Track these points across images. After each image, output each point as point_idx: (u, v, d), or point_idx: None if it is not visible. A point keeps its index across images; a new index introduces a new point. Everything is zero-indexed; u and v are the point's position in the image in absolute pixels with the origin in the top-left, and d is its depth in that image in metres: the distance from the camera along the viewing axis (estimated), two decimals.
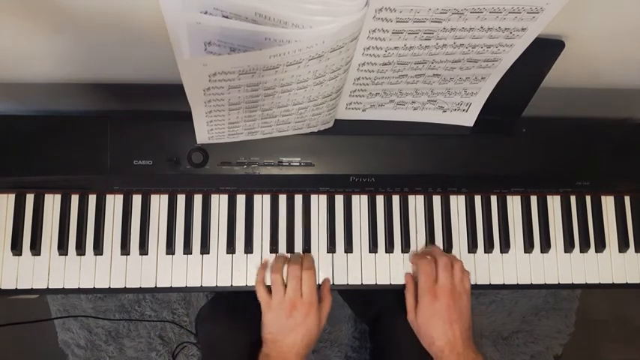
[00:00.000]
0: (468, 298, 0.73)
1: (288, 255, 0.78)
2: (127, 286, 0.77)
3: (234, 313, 0.86)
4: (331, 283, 0.78)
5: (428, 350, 0.72)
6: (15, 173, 0.74)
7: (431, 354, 0.71)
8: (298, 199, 0.80)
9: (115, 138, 0.73)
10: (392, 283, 0.79)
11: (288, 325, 0.71)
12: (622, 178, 0.81)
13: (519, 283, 0.81)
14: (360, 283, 0.79)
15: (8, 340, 1.32)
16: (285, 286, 0.72)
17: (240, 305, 0.86)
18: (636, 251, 0.83)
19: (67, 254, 0.76)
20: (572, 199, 0.83)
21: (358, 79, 0.65)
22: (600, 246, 0.82)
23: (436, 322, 0.70)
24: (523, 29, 0.56)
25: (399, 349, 0.83)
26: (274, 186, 0.78)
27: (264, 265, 0.77)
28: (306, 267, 0.73)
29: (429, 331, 0.70)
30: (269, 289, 0.74)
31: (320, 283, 0.78)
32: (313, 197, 0.80)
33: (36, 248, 0.76)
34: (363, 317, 1.18)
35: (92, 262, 0.77)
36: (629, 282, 0.82)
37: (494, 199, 0.82)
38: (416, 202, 0.81)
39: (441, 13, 0.53)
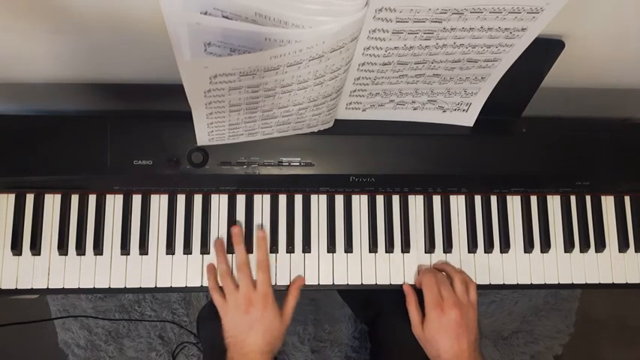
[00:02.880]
0: (475, 310, 0.73)
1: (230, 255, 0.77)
2: (127, 286, 0.77)
3: None
4: (332, 283, 0.78)
5: None
6: (15, 173, 0.74)
7: None
8: (298, 199, 0.80)
9: (115, 138, 0.73)
10: (392, 283, 0.79)
11: (247, 322, 0.70)
12: (622, 178, 0.81)
13: (519, 283, 0.81)
14: (360, 283, 0.79)
15: (8, 340, 1.32)
16: (238, 286, 0.72)
17: None
18: (636, 251, 0.83)
19: (67, 254, 0.76)
20: (572, 199, 0.83)
21: (358, 79, 0.65)
22: (600, 246, 0.82)
23: (443, 336, 0.70)
24: (523, 29, 0.56)
25: (399, 349, 0.83)
26: (274, 186, 0.78)
27: (211, 270, 0.76)
28: (259, 261, 0.73)
29: (436, 344, 0.70)
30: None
31: (320, 283, 0.78)
32: (313, 197, 0.80)
33: (36, 248, 0.76)
34: (362, 317, 1.18)
35: (92, 262, 0.77)
36: (629, 282, 0.82)
37: (494, 199, 0.82)
38: (416, 202, 0.81)
39: (441, 13, 0.53)
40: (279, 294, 0.75)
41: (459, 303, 0.71)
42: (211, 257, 0.78)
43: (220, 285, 0.75)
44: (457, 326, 0.69)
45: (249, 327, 0.70)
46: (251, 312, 0.70)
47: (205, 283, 0.76)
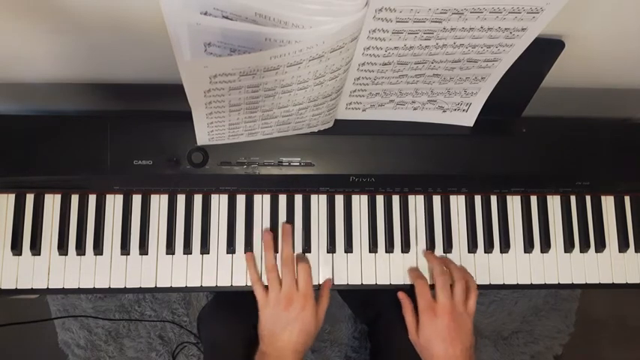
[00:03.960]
0: (470, 317, 0.73)
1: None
2: (127, 286, 0.77)
3: (235, 311, 0.86)
4: (332, 283, 0.78)
5: None
6: (15, 173, 0.74)
7: None
8: (298, 199, 0.80)
9: (115, 138, 0.73)
10: (392, 283, 0.79)
11: (284, 319, 0.71)
12: (622, 178, 0.81)
13: (519, 283, 0.81)
14: (360, 283, 0.79)
15: (8, 340, 1.32)
16: (281, 281, 0.73)
17: (242, 304, 0.86)
18: (636, 251, 0.83)
19: (67, 254, 0.76)
20: (572, 199, 0.83)
21: (358, 79, 0.65)
22: (600, 246, 0.82)
23: (436, 340, 0.70)
24: (523, 29, 0.56)
25: (398, 349, 0.83)
26: (274, 186, 0.78)
27: (253, 264, 0.76)
28: (300, 260, 0.74)
29: (430, 349, 0.71)
30: (266, 287, 0.74)
31: (320, 283, 0.78)
32: (313, 197, 0.80)
33: (36, 248, 0.76)
34: (362, 318, 1.18)
35: (92, 262, 0.77)
36: (629, 282, 0.82)
37: (494, 199, 0.82)
38: (416, 202, 0.81)
39: (441, 13, 0.53)
40: None
41: (453, 309, 0.71)
42: (211, 257, 0.78)
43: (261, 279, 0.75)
44: (449, 331, 0.70)
45: (286, 324, 0.71)
46: (290, 310, 0.71)
47: (205, 284, 0.76)
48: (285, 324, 0.71)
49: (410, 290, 0.77)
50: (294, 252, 0.76)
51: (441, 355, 0.70)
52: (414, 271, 0.78)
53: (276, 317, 0.72)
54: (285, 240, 0.76)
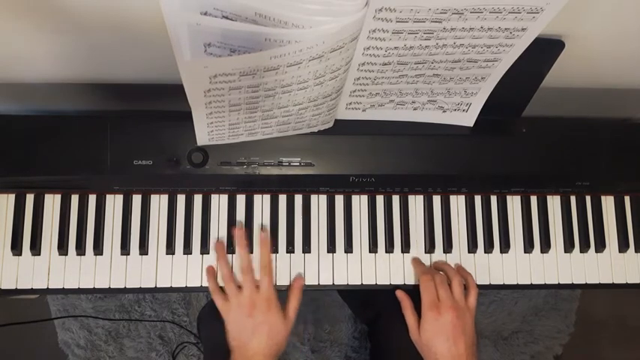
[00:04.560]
0: (472, 315, 0.73)
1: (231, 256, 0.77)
2: (127, 286, 0.77)
3: None
4: (332, 283, 0.78)
5: None
6: (15, 173, 0.74)
7: None
8: (298, 199, 0.80)
9: (115, 138, 0.73)
10: (392, 283, 0.79)
11: (250, 325, 0.69)
12: (622, 178, 0.81)
13: (519, 283, 0.81)
14: (360, 283, 0.79)
15: (8, 340, 1.32)
16: (240, 287, 0.72)
17: None
18: (636, 251, 0.83)
19: (67, 254, 0.76)
20: (572, 199, 0.83)
21: (358, 79, 0.65)
22: (600, 246, 0.82)
23: (439, 339, 0.69)
24: (523, 29, 0.56)
25: (398, 349, 0.83)
26: (274, 186, 0.78)
27: (211, 273, 0.76)
28: (262, 264, 0.73)
29: (433, 347, 0.70)
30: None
31: (320, 283, 0.78)
32: (313, 197, 0.80)
33: (36, 248, 0.76)
34: (362, 317, 1.18)
35: (92, 262, 0.77)
36: (629, 282, 0.82)
37: (494, 199, 0.82)
38: (416, 202, 0.81)
39: (441, 13, 0.53)
40: (281, 294, 0.75)
41: (456, 305, 0.71)
42: (211, 257, 0.78)
43: (222, 286, 0.74)
44: (453, 328, 0.69)
45: (253, 330, 0.69)
46: (254, 315, 0.70)
47: (205, 284, 0.76)
48: (252, 330, 0.69)
49: (409, 290, 0.77)
50: (250, 256, 0.75)
51: (445, 353, 0.68)
52: (420, 266, 0.77)
53: (241, 324, 0.70)
54: (239, 245, 0.75)
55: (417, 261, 0.79)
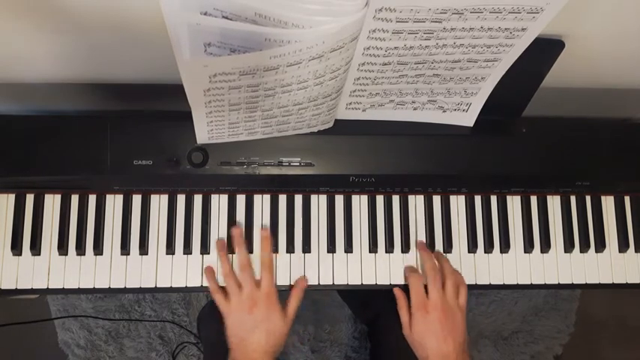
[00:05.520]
0: (462, 312, 0.73)
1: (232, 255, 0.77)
2: (127, 286, 0.76)
3: None
4: (332, 283, 0.78)
5: None
6: (15, 173, 0.74)
7: None
8: (298, 199, 0.80)
9: (115, 138, 0.73)
10: (392, 283, 0.79)
11: (250, 323, 0.70)
12: (622, 178, 0.81)
13: (519, 283, 0.81)
14: (360, 283, 0.79)
15: (8, 340, 1.32)
16: (241, 286, 0.72)
17: None
18: (636, 251, 0.83)
19: (67, 254, 0.76)
20: (572, 199, 0.83)
21: (358, 79, 0.65)
22: (600, 246, 0.82)
23: (430, 336, 0.71)
24: (523, 29, 0.56)
25: (398, 349, 0.83)
26: (274, 186, 0.78)
27: (210, 272, 0.76)
28: (262, 262, 0.73)
29: (424, 345, 0.71)
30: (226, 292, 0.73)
31: (320, 283, 0.78)
32: (313, 197, 0.80)
33: (36, 248, 0.76)
34: (362, 317, 1.18)
35: (92, 262, 0.77)
36: (629, 282, 0.82)
37: (494, 199, 0.82)
38: (416, 202, 0.81)
39: (441, 13, 0.53)
40: (281, 294, 0.75)
41: (445, 304, 0.71)
42: (212, 257, 0.78)
43: (222, 286, 0.74)
44: (442, 326, 0.70)
45: (253, 327, 0.70)
46: (255, 312, 0.70)
47: (206, 283, 0.76)
48: (252, 327, 0.70)
49: (407, 289, 0.77)
50: (248, 255, 0.75)
51: (435, 350, 0.70)
52: (409, 267, 0.78)
53: (241, 322, 0.70)
54: (237, 244, 0.75)
55: (407, 265, 0.79)
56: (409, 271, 0.77)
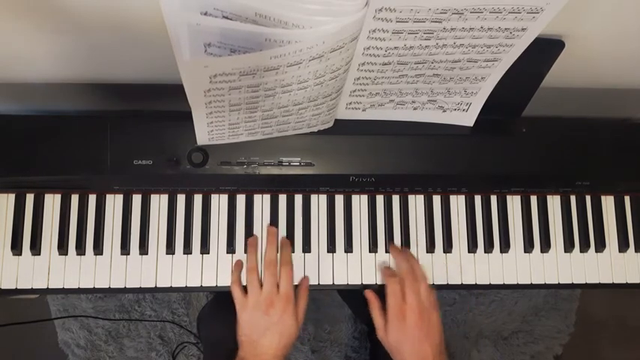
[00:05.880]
0: (437, 312, 0.72)
1: (261, 252, 0.77)
2: (127, 286, 0.76)
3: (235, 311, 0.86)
4: (332, 283, 0.78)
5: None
6: (15, 173, 0.74)
7: None
8: (298, 199, 0.80)
9: (115, 138, 0.73)
10: None
11: (264, 323, 0.69)
12: (622, 178, 0.81)
13: (519, 283, 0.80)
14: (360, 283, 0.79)
15: (8, 340, 1.32)
16: (262, 284, 0.72)
17: None
18: (636, 251, 0.83)
19: (67, 254, 0.76)
20: (572, 199, 0.83)
21: (358, 79, 0.65)
22: (600, 246, 0.82)
23: (406, 340, 0.69)
24: (523, 29, 0.56)
25: None
26: (274, 186, 0.78)
27: (238, 265, 0.76)
28: (283, 262, 0.73)
29: (401, 349, 0.70)
30: (245, 289, 0.73)
31: (320, 283, 0.78)
32: (313, 197, 0.80)
33: (36, 248, 0.76)
34: (362, 317, 1.18)
35: (92, 262, 0.77)
36: (629, 282, 0.82)
37: (494, 199, 0.82)
38: (416, 202, 0.81)
39: (441, 13, 0.53)
40: None
41: (421, 307, 0.70)
42: (211, 257, 0.78)
43: (243, 282, 0.74)
44: (419, 330, 0.69)
45: (266, 328, 0.69)
46: (271, 313, 0.70)
47: (206, 284, 0.76)
48: (264, 329, 0.69)
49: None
50: (277, 255, 0.75)
51: (413, 355, 0.69)
52: (387, 270, 0.77)
53: (255, 321, 0.70)
54: (269, 242, 0.75)
55: (384, 266, 0.78)
56: (387, 274, 0.75)
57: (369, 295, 0.76)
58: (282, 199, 0.80)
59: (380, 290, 0.76)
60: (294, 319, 0.71)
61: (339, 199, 0.80)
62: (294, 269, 0.77)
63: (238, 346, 0.71)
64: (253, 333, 0.70)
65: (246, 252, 0.77)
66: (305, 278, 0.77)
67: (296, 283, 0.77)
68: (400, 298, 0.71)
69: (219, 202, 0.79)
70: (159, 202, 0.78)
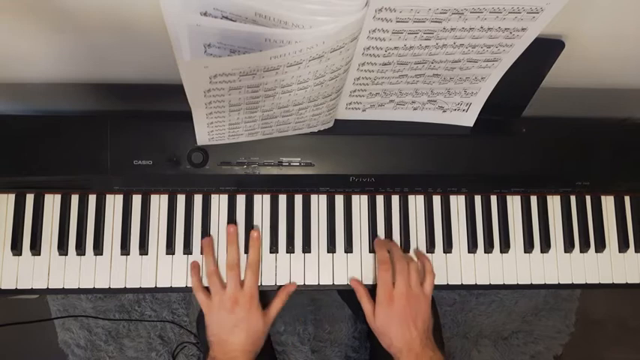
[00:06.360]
0: (427, 299, 0.74)
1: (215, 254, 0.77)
2: (127, 286, 0.77)
3: None
4: (332, 283, 0.78)
5: (388, 351, 0.72)
6: (15, 173, 0.74)
7: (391, 354, 0.72)
8: (298, 199, 0.80)
9: (115, 138, 0.73)
10: None
11: (231, 321, 0.70)
12: (622, 178, 0.81)
13: (519, 283, 0.81)
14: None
15: (8, 340, 1.32)
16: (224, 285, 0.73)
17: None
18: (636, 251, 0.83)
19: (67, 254, 0.76)
20: (572, 199, 0.83)
21: (358, 79, 0.65)
22: (600, 246, 0.82)
23: (393, 324, 0.71)
24: (523, 29, 0.56)
25: None
26: (274, 186, 0.78)
27: (195, 269, 0.76)
28: (249, 264, 0.74)
29: (388, 333, 0.71)
30: (208, 289, 0.74)
31: (333, 283, 0.78)
32: (313, 197, 0.80)
33: (36, 248, 0.76)
34: (362, 318, 1.18)
35: (92, 262, 0.77)
36: (629, 282, 0.82)
37: (494, 199, 0.82)
38: (416, 202, 0.81)
39: (441, 13, 0.53)
40: (271, 294, 0.76)
41: (409, 292, 0.72)
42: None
43: (205, 284, 0.75)
44: (405, 314, 0.70)
45: (234, 326, 0.70)
46: (236, 311, 0.71)
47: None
48: (232, 326, 0.70)
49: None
50: (238, 254, 0.75)
51: (399, 338, 0.70)
52: (381, 251, 0.77)
53: (222, 321, 0.71)
54: (229, 242, 0.75)
55: (380, 243, 0.78)
56: (380, 261, 0.76)
57: (354, 283, 0.77)
58: (282, 199, 0.80)
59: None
60: (260, 316, 0.72)
61: (339, 199, 0.80)
62: (295, 270, 0.77)
63: (209, 347, 0.72)
64: (222, 332, 0.71)
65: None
66: (291, 284, 0.77)
67: (287, 283, 0.77)
68: (389, 284, 0.73)
69: (219, 202, 0.79)
70: (159, 203, 0.78)
